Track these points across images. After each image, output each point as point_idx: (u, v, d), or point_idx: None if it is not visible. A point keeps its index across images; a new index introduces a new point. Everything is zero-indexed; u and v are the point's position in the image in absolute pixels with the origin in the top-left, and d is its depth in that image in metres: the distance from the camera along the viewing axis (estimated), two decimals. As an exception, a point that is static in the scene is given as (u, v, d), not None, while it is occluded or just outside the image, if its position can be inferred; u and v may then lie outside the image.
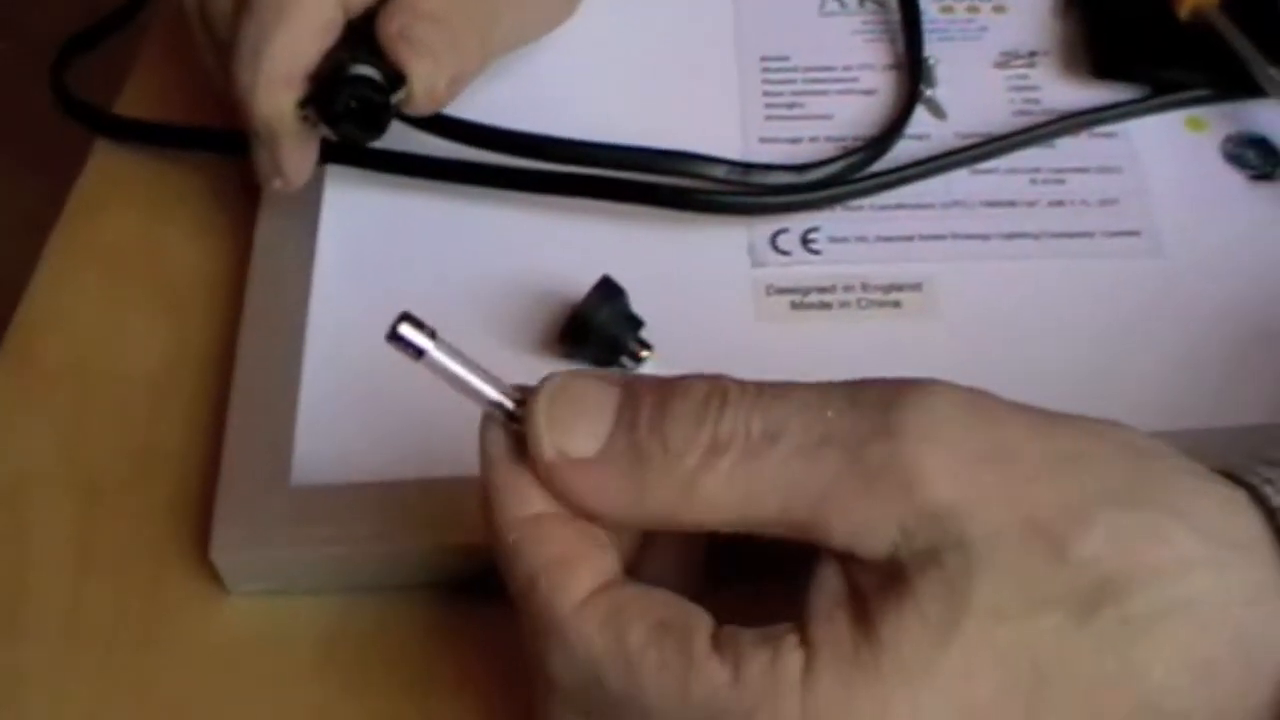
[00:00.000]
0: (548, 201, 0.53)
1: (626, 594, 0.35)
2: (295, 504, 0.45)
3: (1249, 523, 0.34)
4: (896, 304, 0.50)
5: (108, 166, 0.58)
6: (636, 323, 0.49)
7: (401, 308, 0.49)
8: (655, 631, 0.34)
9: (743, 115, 0.56)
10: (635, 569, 0.37)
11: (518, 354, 0.49)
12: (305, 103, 0.48)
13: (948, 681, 0.32)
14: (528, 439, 0.35)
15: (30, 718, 0.44)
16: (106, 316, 0.53)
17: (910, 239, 0.52)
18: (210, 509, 0.45)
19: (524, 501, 0.36)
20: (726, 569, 0.39)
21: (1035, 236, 0.52)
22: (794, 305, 0.51)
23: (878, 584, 0.33)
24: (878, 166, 0.54)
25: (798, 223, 0.52)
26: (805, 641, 0.33)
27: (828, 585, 0.34)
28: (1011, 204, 0.53)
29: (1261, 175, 0.54)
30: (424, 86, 0.48)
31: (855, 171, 0.53)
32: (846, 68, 0.58)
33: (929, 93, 0.56)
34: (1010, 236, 0.52)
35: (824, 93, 0.57)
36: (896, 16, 0.59)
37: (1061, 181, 0.54)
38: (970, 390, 0.34)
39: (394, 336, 0.35)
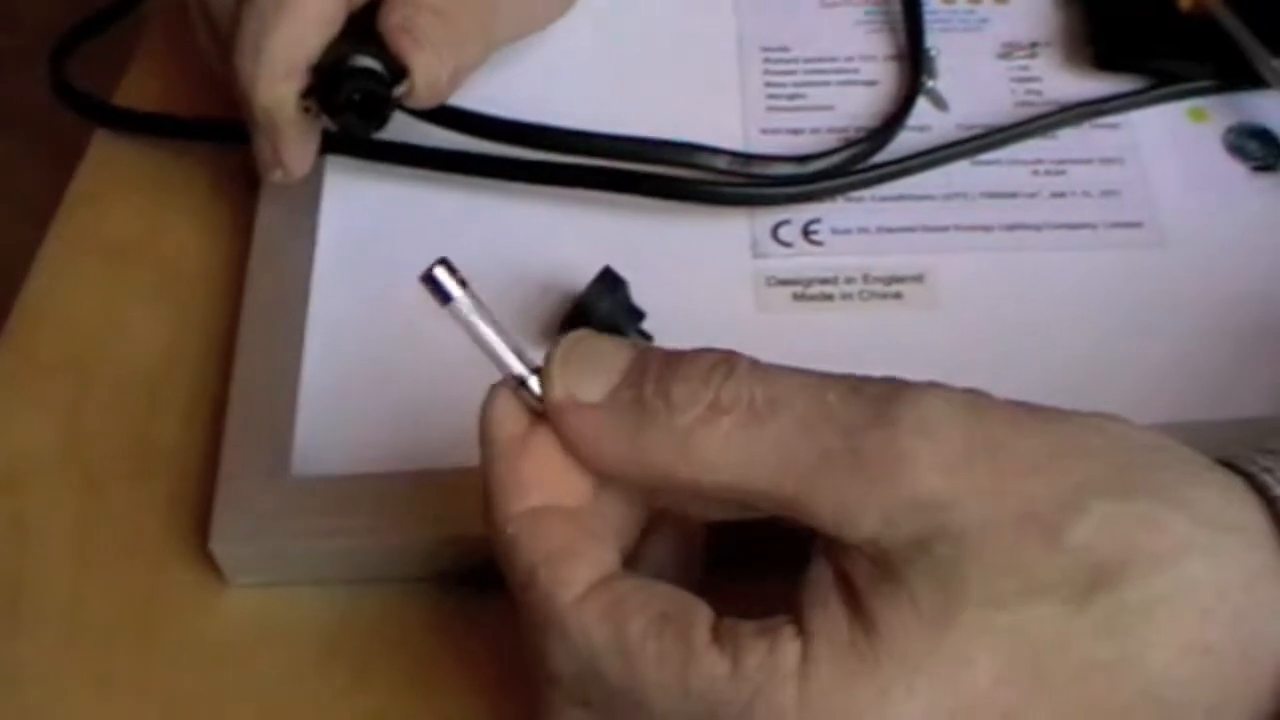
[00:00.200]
0: (549, 193, 0.52)
1: (626, 586, 0.35)
2: (295, 495, 0.45)
3: (1248, 510, 0.34)
4: (898, 295, 0.50)
5: (107, 157, 0.58)
6: (638, 314, 0.49)
7: (402, 299, 0.49)
8: (655, 623, 0.34)
9: (744, 106, 0.56)
10: (634, 562, 0.38)
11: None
12: (307, 94, 0.48)
13: (945, 670, 0.32)
14: (542, 382, 0.36)
15: (30, 710, 0.44)
16: (106, 308, 0.53)
17: (912, 230, 0.52)
18: (210, 500, 0.45)
19: (523, 495, 0.36)
20: (725, 564, 0.39)
21: (1037, 228, 0.52)
22: (795, 296, 0.50)
23: (870, 575, 0.33)
24: (879, 158, 0.53)
25: (799, 214, 0.52)
26: (802, 632, 0.33)
27: (823, 577, 0.34)
28: (1013, 195, 0.53)
29: (1263, 166, 0.54)
30: (426, 79, 0.48)
31: (857, 163, 0.53)
32: (848, 59, 0.58)
33: (930, 84, 0.56)
34: (1012, 228, 0.52)
35: (825, 84, 0.57)
36: (898, 7, 0.59)
37: (1063, 173, 0.53)
38: (968, 390, 0.35)
39: (427, 278, 0.36)
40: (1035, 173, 0.53)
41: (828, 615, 0.33)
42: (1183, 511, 0.33)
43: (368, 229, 0.53)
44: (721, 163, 0.52)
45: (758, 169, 0.52)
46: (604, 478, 0.36)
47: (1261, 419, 0.46)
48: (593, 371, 0.36)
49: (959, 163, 0.54)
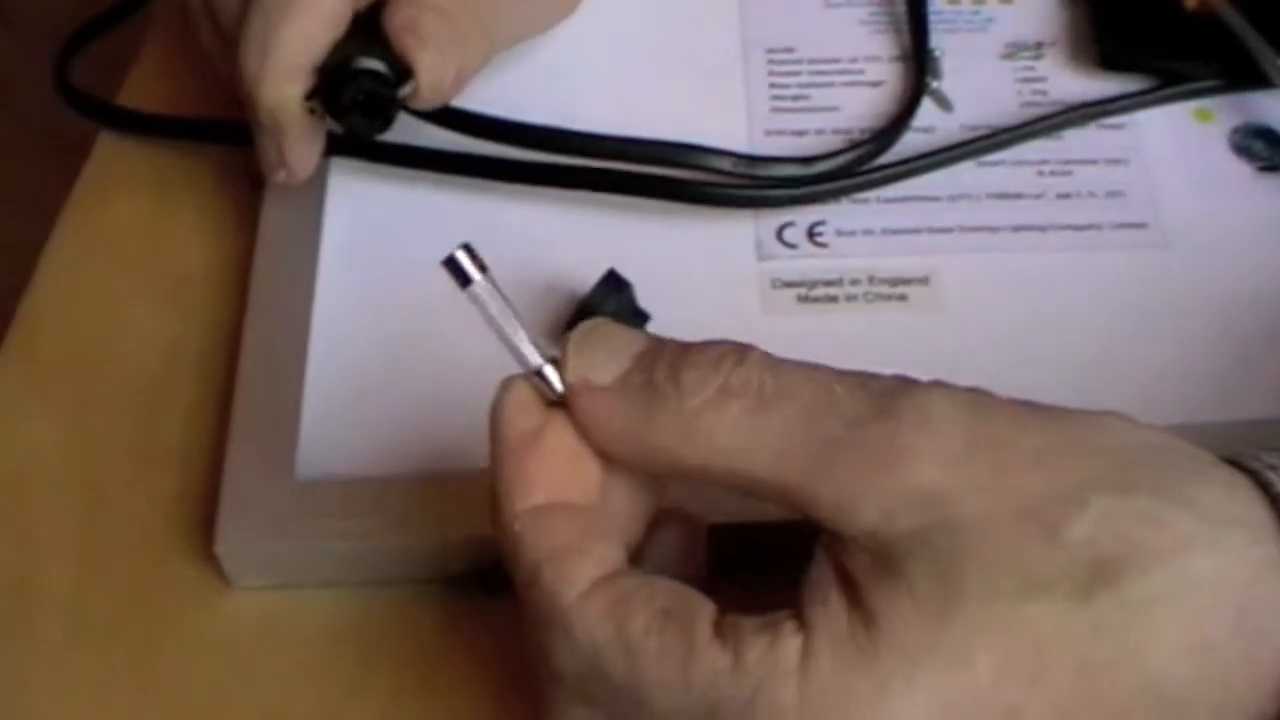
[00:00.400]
0: (554, 195, 0.52)
1: (630, 583, 0.35)
2: (300, 498, 0.45)
3: (1252, 507, 0.34)
4: (903, 297, 0.50)
5: (112, 158, 0.57)
6: (643, 316, 0.49)
7: (406, 301, 0.49)
8: (658, 619, 0.34)
9: (748, 108, 0.56)
10: (639, 561, 0.38)
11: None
12: (312, 95, 0.48)
13: (946, 663, 0.32)
14: (559, 369, 0.36)
15: (34, 712, 0.44)
16: (110, 308, 0.53)
17: (917, 231, 0.52)
18: (214, 503, 0.45)
19: (530, 492, 0.36)
20: (728, 568, 0.39)
21: (1042, 229, 0.52)
22: (800, 298, 0.50)
23: (870, 569, 0.33)
24: (884, 159, 0.53)
25: (804, 216, 0.52)
26: (803, 627, 0.33)
27: (824, 573, 0.34)
28: (1018, 196, 0.53)
29: (1269, 166, 0.54)
30: (430, 79, 0.48)
31: (861, 164, 0.53)
32: (852, 60, 0.57)
33: (935, 85, 0.56)
34: (1017, 229, 0.52)
35: (830, 85, 0.57)
36: (902, 8, 0.58)
37: (1068, 173, 0.53)
38: (971, 389, 0.35)
39: (449, 261, 0.36)
40: (1040, 173, 0.53)
41: (828, 610, 0.33)
42: (1186, 508, 0.33)
43: (372, 231, 0.53)
44: (726, 164, 0.52)
45: (762, 170, 0.52)
46: (614, 463, 0.36)
47: (1268, 420, 0.46)
48: (606, 356, 0.36)
49: (964, 164, 0.53)
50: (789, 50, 0.58)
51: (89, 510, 0.48)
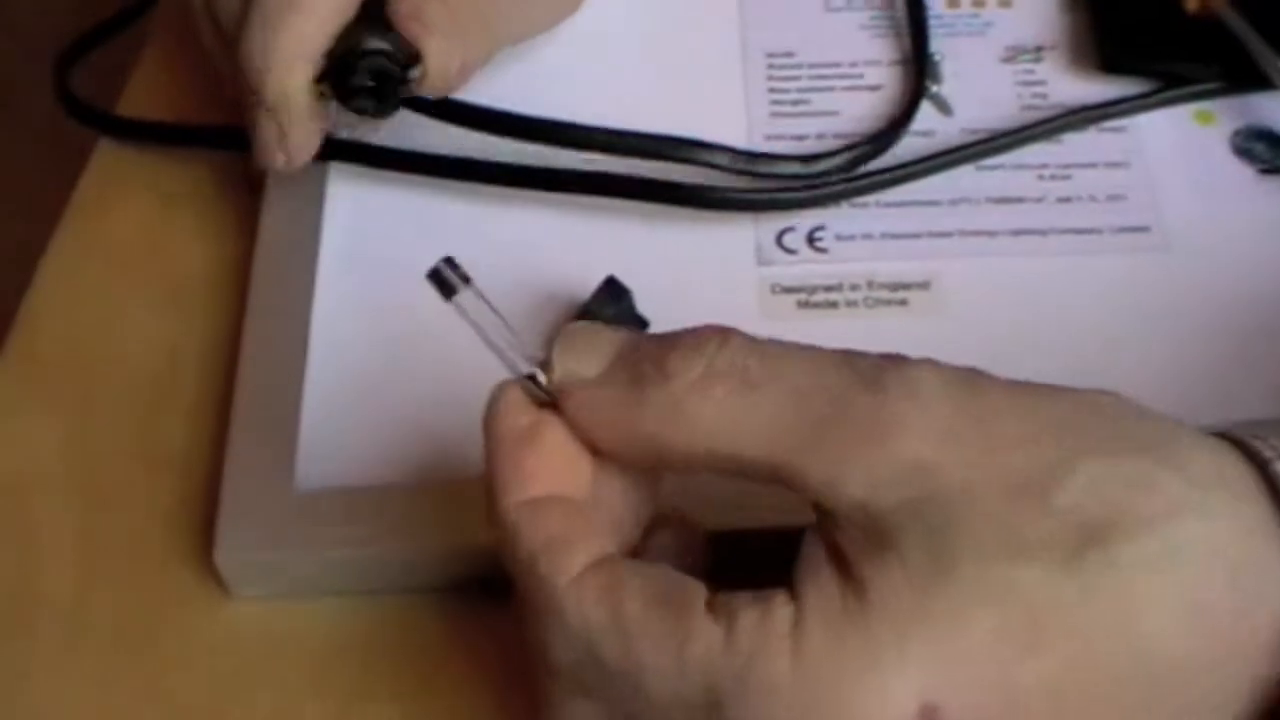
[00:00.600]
0: (553, 199, 0.52)
1: (623, 569, 0.35)
2: (300, 507, 0.45)
3: (1240, 472, 0.34)
4: (903, 302, 0.50)
5: (111, 164, 0.58)
6: (642, 323, 0.49)
7: (406, 307, 0.49)
8: (652, 603, 0.34)
9: (748, 112, 0.56)
10: (636, 559, 0.37)
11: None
12: (320, 78, 0.49)
13: (937, 630, 0.32)
14: (546, 370, 0.37)
15: (33, 716, 0.44)
16: (110, 313, 0.53)
17: (917, 236, 0.52)
18: (214, 511, 0.45)
19: (524, 486, 0.36)
20: (726, 564, 0.39)
21: (1043, 233, 0.52)
22: (800, 304, 0.50)
23: (860, 542, 0.33)
24: (883, 163, 0.53)
25: (803, 220, 0.52)
26: (794, 598, 0.33)
27: (815, 552, 0.34)
28: (1019, 200, 0.53)
29: (1271, 169, 0.53)
30: (437, 64, 0.49)
31: (860, 164, 0.53)
32: (852, 64, 0.57)
33: (935, 88, 0.56)
34: (1017, 233, 0.52)
35: (829, 89, 0.57)
36: (902, 12, 0.58)
37: (1069, 177, 0.53)
38: (964, 368, 0.35)
39: (432, 274, 0.37)
40: (1041, 177, 0.53)
41: (819, 582, 0.33)
42: (1177, 473, 0.33)
43: (371, 236, 0.53)
44: (724, 159, 0.51)
45: (761, 167, 0.52)
46: (607, 458, 0.37)
47: (1269, 421, 0.46)
48: (591, 353, 0.36)
49: (964, 168, 0.53)
50: (789, 54, 0.58)
51: (89, 513, 0.48)
